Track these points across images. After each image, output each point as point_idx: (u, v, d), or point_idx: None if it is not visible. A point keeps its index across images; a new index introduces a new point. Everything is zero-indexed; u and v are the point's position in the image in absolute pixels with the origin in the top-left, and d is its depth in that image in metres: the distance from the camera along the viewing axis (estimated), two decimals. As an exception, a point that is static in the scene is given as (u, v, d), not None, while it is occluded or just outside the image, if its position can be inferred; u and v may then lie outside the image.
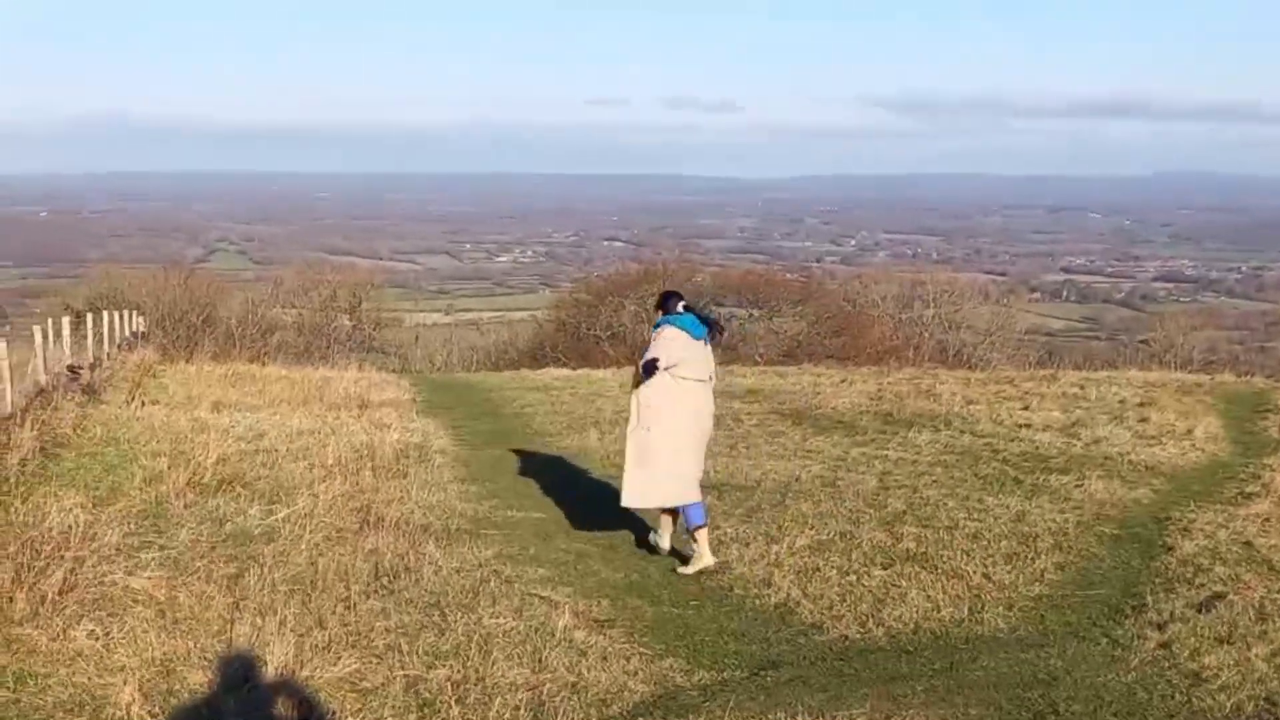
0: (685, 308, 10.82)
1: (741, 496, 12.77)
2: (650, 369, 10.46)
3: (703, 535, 10.45)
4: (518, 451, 16.07)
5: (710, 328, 10.79)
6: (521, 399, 22.15)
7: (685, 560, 10.55)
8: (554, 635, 8.06)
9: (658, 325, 10.81)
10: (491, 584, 9.20)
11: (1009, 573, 9.84)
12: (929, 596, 9.20)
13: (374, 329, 51.72)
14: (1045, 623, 8.77)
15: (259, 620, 7.77)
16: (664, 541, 10.84)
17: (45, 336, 18.62)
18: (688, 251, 79.14)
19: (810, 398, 20.61)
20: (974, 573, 9.79)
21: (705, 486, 13.06)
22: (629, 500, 10.63)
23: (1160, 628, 8.37)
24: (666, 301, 10.94)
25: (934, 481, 13.65)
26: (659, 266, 52.02)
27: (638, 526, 11.60)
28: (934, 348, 45.51)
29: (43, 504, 10.12)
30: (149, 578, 8.46)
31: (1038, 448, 15.98)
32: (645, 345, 11.10)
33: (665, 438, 10.39)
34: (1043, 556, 10.36)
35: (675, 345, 10.49)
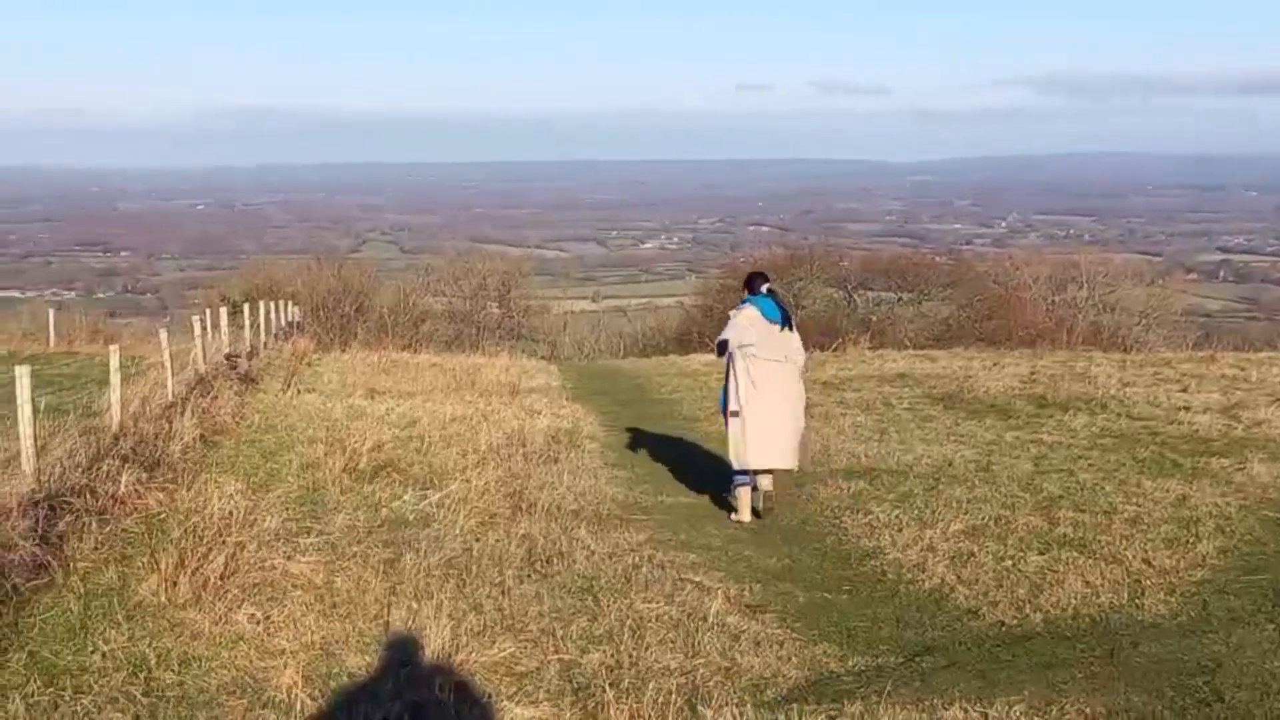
0: (769, 290, 11.62)
1: (893, 481, 12.65)
2: (721, 348, 11.56)
3: (745, 493, 11.53)
4: (667, 437, 16.11)
5: (785, 315, 11.55)
6: (669, 385, 22.20)
7: (757, 515, 11.61)
8: (706, 620, 8.05)
9: (740, 305, 11.69)
10: (643, 569, 9.21)
11: (1169, 557, 9.62)
12: (1087, 582, 9.03)
13: (523, 316, 52.06)
14: (1208, 608, 8.55)
15: (415, 604, 7.85)
16: (745, 515, 11.56)
17: (204, 327, 19.02)
18: (833, 235, 78.74)
19: (961, 381, 20.39)
20: (1133, 558, 9.59)
21: (856, 472, 13.03)
22: (736, 461, 11.48)
23: (1328, 614, 8.14)
24: (751, 282, 11.84)
25: (1090, 465, 13.42)
26: (805, 251, 51.81)
27: (790, 511, 11.56)
28: (1087, 330, 44.65)
29: (204, 490, 10.35)
30: (307, 562, 8.60)
31: (1197, 430, 15.64)
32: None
33: (754, 416, 11.35)
34: (1204, 541, 10.12)
35: (745, 325, 11.38)
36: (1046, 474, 12.91)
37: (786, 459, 11.58)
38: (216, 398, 15.95)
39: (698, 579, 9.10)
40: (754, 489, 11.65)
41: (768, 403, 11.37)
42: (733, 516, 11.63)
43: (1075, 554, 9.72)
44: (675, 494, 12.53)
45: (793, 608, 8.68)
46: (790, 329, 11.61)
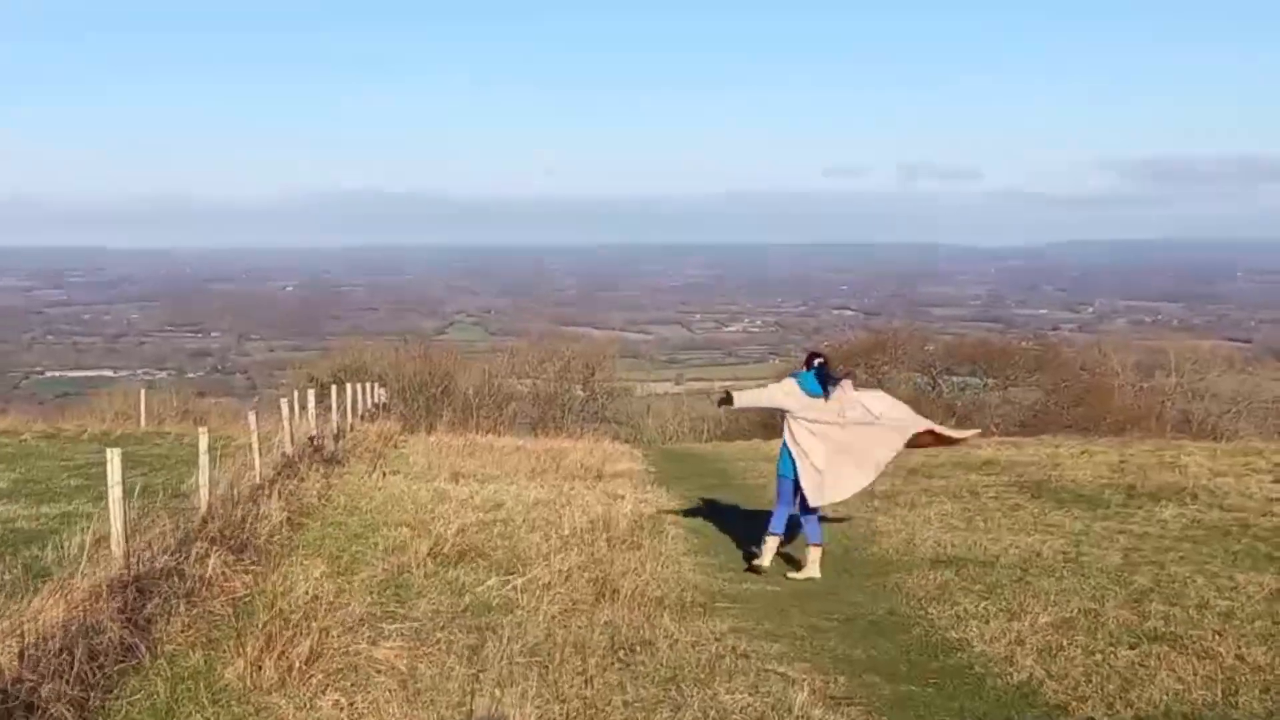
0: (819, 366, 13.17)
1: (980, 572, 12.51)
2: (721, 400, 14.06)
3: (815, 553, 12.94)
4: (750, 523, 16.04)
5: (825, 386, 13.05)
6: (754, 469, 22.14)
7: (797, 567, 13.09)
8: (791, 712, 7.97)
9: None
10: (727, 659, 9.15)
11: (1265, 654, 9.43)
12: (1179, 678, 8.86)
13: (606, 399, 52.23)
14: (1304, 708, 8.37)
15: (498, 692, 7.85)
16: (765, 561, 13.03)
17: (291, 408, 19.20)
18: (918, 319, 78.45)
19: (1049, 469, 20.19)
20: (1227, 653, 9.41)
21: (943, 561, 12.91)
22: (812, 499, 12.90)
23: None
24: (807, 360, 13.42)
25: (1181, 557, 13.21)
26: (888, 335, 51.67)
27: (875, 601, 11.47)
28: (1177, 417, 44.21)
29: (290, 573, 10.42)
30: (391, 648, 8.62)
31: (1291, 523, 15.37)
32: None
33: (813, 463, 12.90)
34: (1300, 637, 9.93)
35: (780, 395, 13.18)
36: (1136, 566, 12.72)
37: (841, 493, 13.13)
38: (303, 480, 16.09)
39: (782, 669, 9.02)
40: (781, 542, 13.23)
41: (822, 452, 12.89)
42: (754, 563, 13.09)
43: (1167, 649, 9.55)
44: (759, 581, 12.46)
45: (878, 701, 8.57)
46: (830, 397, 12.98)
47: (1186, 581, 11.91)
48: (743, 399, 13.87)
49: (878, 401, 13.44)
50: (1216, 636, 9.86)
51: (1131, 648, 9.64)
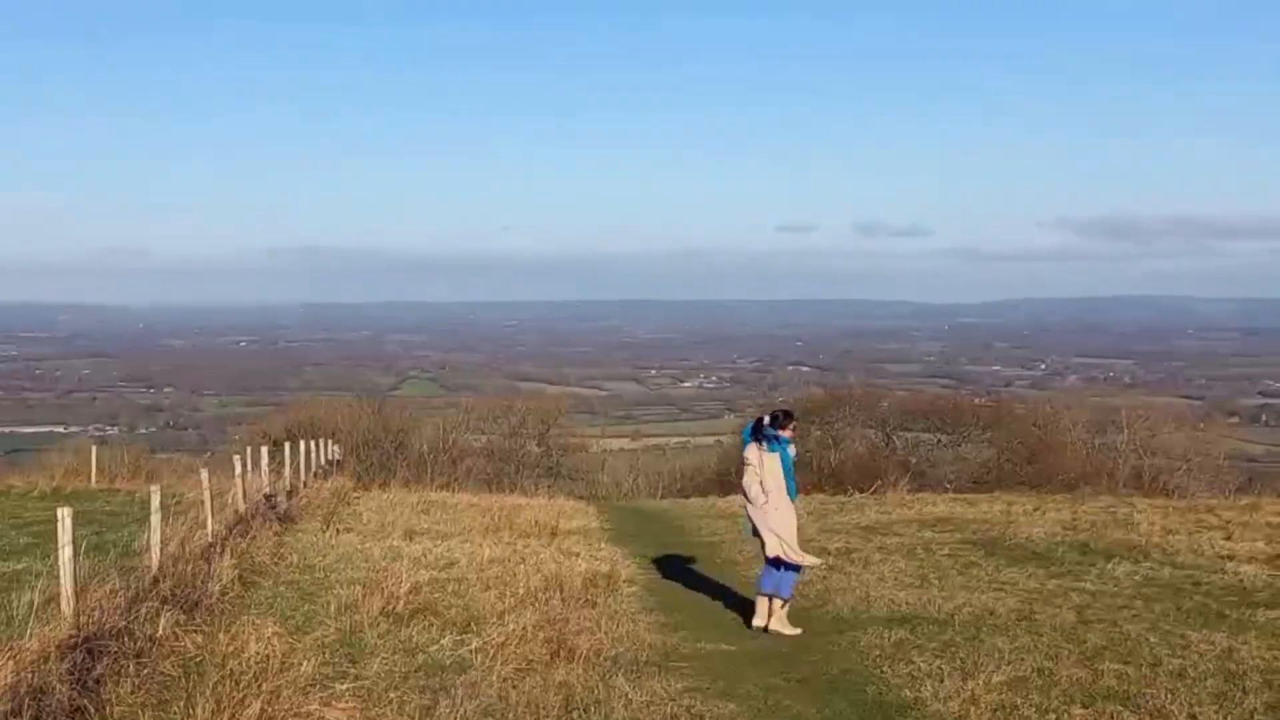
0: (757, 421, 13.40)
1: (935, 630, 12.52)
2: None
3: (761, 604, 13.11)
4: (705, 581, 16.02)
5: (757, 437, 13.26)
6: (708, 527, 22.14)
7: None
8: (745, 773, 7.95)
9: None
10: (682, 719, 9.11)
11: (1216, 713, 9.46)
12: (1132, 737, 8.89)
13: (561, 455, 52.14)
14: (1257, 767, 8.41)
15: (451, 753, 7.79)
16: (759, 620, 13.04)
17: (244, 465, 19.10)
18: (873, 376, 78.80)
19: (1002, 526, 20.25)
20: (1179, 712, 9.44)
21: (897, 620, 12.93)
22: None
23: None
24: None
25: (1134, 615, 13.27)
26: (844, 391, 51.83)
27: (829, 660, 11.45)
28: (1129, 474, 44.44)
29: (241, 633, 10.33)
30: (343, 708, 8.56)
31: (1242, 580, 15.48)
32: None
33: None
34: (1251, 696, 9.96)
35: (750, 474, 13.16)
36: (1090, 624, 12.77)
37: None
38: (255, 538, 16.00)
39: (737, 730, 8.99)
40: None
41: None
42: (757, 624, 12.99)
43: (1120, 707, 9.57)
44: (715, 640, 12.41)
45: (833, 761, 8.55)
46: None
47: (1139, 640, 11.95)
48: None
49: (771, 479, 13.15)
50: (1169, 695, 9.89)
51: (1085, 706, 9.66)
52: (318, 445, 30.95)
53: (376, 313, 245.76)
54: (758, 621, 12.98)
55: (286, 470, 23.95)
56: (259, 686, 8.45)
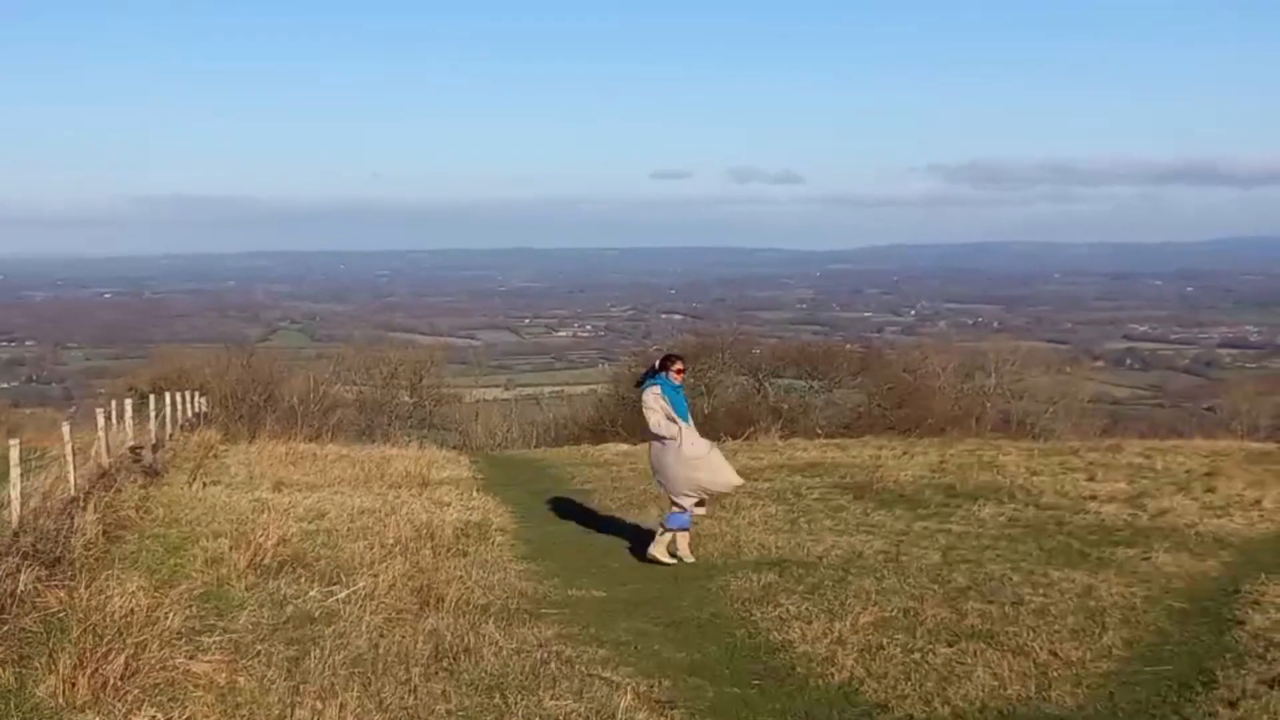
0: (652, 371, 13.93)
1: (803, 573, 12.64)
2: None
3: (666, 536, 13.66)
4: (578, 529, 16.04)
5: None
6: (582, 475, 22.14)
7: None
8: (614, 717, 7.99)
9: None
10: (552, 665, 9.13)
11: (1076, 649, 9.68)
12: (995, 674, 9.05)
13: (434, 405, 51.81)
14: (1114, 700, 8.61)
15: (319, 704, 7.74)
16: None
17: (109, 418, 18.77)
18: (746, 323, 79.20)
19: (872, 471, 20.46)
20: (1040, 649, 9.64)
21: (767, 563, 13.04)
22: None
23: (1232, 705, 8.22)
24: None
25: (998, 556, 13.50)
26: (715, 338, 52.02)
27: (700, 605, 11.53)
28: (996, 418, 45.19)
29: (105, 588, 10.16)
30: (210, 661, 8.47)
31: (1103, 520, 15.82)
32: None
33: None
34: (1110, 632, 10.21)
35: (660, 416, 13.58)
36: (955, 565, 12.97)
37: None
38: (120, 491, 15.74)
39: (607, 675, 9.02)
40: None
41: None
42: (682, 558, 13.51)
43: (983, 646, 9.76)
44: (586, 587, 12.43)
45: (702, 703, 8.62)
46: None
47: (1002, 579, 12.17)
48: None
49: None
50: (1031, 633, 10.10)
51: (949, 645, 9.83)
52: (185, 398, 30.44)
53: (244, 262, 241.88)
54: (688, 556, 13.58)
55: (152, 423, 23.55)
56: (124, 640, 8.34)
